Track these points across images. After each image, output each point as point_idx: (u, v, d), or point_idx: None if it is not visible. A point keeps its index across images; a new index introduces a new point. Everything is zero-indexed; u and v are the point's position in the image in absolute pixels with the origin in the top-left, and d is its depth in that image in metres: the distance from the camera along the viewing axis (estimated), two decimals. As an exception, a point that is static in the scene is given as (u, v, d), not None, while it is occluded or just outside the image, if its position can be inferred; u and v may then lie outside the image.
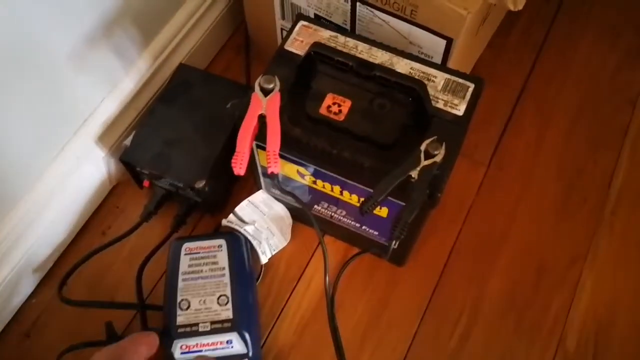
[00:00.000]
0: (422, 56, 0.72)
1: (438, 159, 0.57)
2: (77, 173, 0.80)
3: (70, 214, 0.82)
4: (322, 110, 0.63)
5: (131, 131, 0.84)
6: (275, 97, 0.60)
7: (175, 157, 0.78)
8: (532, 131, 0.94)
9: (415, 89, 0.57)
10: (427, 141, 0.58)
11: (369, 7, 0.72)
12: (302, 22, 0.69)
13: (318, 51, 0.59)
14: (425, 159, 0.57)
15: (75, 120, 0.77)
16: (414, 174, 0.57)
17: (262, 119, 0.61)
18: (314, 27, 0.68)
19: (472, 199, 0.89)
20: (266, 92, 0.61)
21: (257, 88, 0.61)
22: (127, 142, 0.80)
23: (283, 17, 0.84)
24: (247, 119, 0.59)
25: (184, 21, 0.88)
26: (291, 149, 0.63)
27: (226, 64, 0.99)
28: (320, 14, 0.77)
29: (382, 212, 0.68)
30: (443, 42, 0.69)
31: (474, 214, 0.88)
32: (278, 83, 0.61)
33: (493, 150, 0.93)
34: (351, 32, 0.72)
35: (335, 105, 0.63)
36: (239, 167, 0.58)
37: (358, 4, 0.72)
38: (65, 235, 0.83)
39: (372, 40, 0.67)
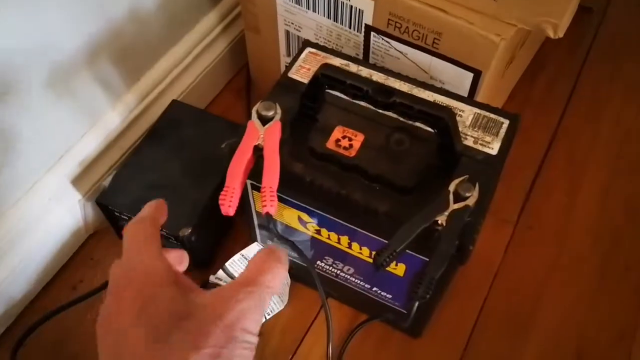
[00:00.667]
0: (445, 92, 0.64)
1: (470, 202, 0.47)
2: (47, 217, 0.69)
3: (36, 263, 0.71)
4: (330, 145, 0.53)
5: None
6: (275, 127, 0.51)
7: (159, 201, 0.67)
8: (562, 189, 0.84)
9: (442, 118, 0.48)
10: (457, 181, 0.48)
11: (384, 38, 0.64)
12: (309, 49, 0.61)
13: (327, 74, 0.50)
14: (455, 201, 0.47)
15: (48, 155, 0.68)
16: (442, 219, 0.47)
17: (258, 152, 0.51)
18: (323, 54, 0.60)
19: (498, 262, 0.78)
20: (265, 121, 0.52)
21: (254, 116, 0.51)
22: (106, 183, 0.70)
23: (288, 54, 0.77)
24: (241, 150, 0.50)
25: (181, 58, 0.81)
26: (291, 188, 0.53)
27: (225, 108, 0.91)
28: (330, 47, 0.69)
29: (399, 269, 0.57)
30: (470, 76, 0.61)
31: (500, 281, 0.76)
32: (279, 111, 0.52)
33: (520, 207, 0.82)
34: (365, 61, 0.63)
35: (345, 140, 0.54)
36: (228, 204, 0.48)
37: (372, 34, 0.65)
38: (29, 288, 0.71)
39: (389, 69, 0.58)
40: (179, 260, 0.42)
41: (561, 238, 0.80)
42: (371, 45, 0.66)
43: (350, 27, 0.66)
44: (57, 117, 0.66)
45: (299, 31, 0.71)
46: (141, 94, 0.77)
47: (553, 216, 0.82)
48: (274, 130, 0.51)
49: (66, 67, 0.64)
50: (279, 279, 0.36)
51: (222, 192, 0.48)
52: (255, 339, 0.33)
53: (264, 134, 0.51)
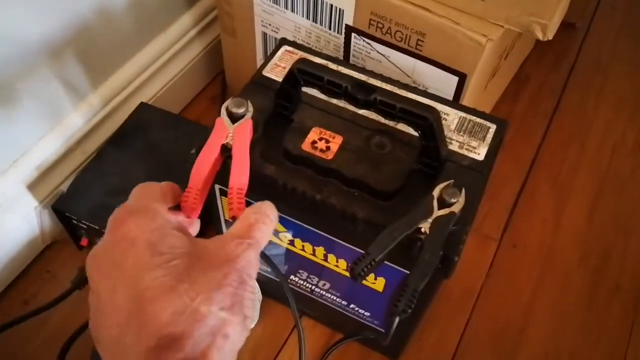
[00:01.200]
0: (429, 98, 0.60)
1: (456, 208, 0.43)
2: (-2, 225, 0.64)
3: (-16, 276, 0.65)
4: (305, 147, 0.49)
5: (75, 179, 0.69)
6: (246, 125, 0.47)
7: (121, 208, 0.63)
8: (547, 205, 0.81)
9: (427, 118, 0.44)
10: (442, 185, 0.44)
11: (366, 39, 0.61)
12: (285, 47, 0.57)
13: (303, 69, 0.46)
14: (440, 208, 0.43)
15: (1, 158, 0.63)
16: (425, 227, 0.43)
17: (226, 152, 0.47)
18: (300, 52, 0.56)
19: (481, 281, 0.74)
20: (235, 119, 0.47)
21: (223, 113, 0.47)
22: (64, 187, 0.65)
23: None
24: (207, 148, 0.45)
25: (152, 60, 0.77)
26: (262, 193, 0.49)
27: (199, 114, 0.87)
28: (309, 50, 0.66)
29: (378, 284, 0.53)
30: (454, 80, 0.58)
31: (484, 302, 0.72)
32: (251, 109, 0.48)
33: (504, 224, 0.79)
34: (345, 61, 0.60)
35: (322, 142, 0.50)
36: (191, 206, 0.43)
37: (353, 35, 0.61)
38: (-25, 303, 0.65)
39: (370, 70, 0.55)
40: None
41: (547, 256, 0.76)
42: (352, 47, 0.63)
43: (330, 28, 0.63)
44: (11, 116, 0.61)
45: (277, 33, 0.68)
46: (108, 96, 0.72)
47: (538, 234, 0.79)
48: (244, 128, 0.47)
49: (23, 61, 0.59)
50: (268, 235, 0.38)
51: (184, 194, 0.44)
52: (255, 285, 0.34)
53: (233, 132, 0.47)
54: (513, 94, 0.93)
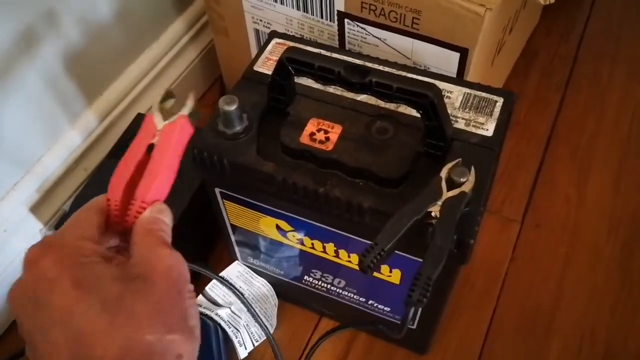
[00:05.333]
0: (431, 79, 0.57)
1: (467, 188, 0.40)
2: (3, 250, 0.63)
3: (-8, 303, 0.64)
4: (304, 140, 0.47)
5: (78, 197, 0.68)
6: (176, 124, 0.38)
7: (125, 223, 0.61)
8: (569, 181, 0.78)
9: (426, 96, 0.41)
10: (449, 165, 0.41)
11: (360, 24, 0.58)
12: (276, 40, 0.55)
13: (292, 57, 0.44)
14: (449, 189, 0.41)
15: (1, 182, 0.62)
16: (435, 210, 0.40)
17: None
18: (292, 44, 0.54)
19: (506, 266, 0.70)
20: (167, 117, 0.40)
21: (155, 107, 0.39)
22: (66, 207, 0.64)
23: (261, 56, 0.71)
24: (129, 152, 0.38)
25: (147, 69, 0.75)
26: (263, 191, 0.47)
27: (200, 122, 0.84)
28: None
29: (394, 277, 0.50)
30: (456, 56, 0.55)
31: (510, 286, 0.69)
32: (191, 104, 0.39)
33: (525, 205, 0.76)
34: (340, 48, 0.58)
35: (320, 133, 0.47)
36: (113, 222, 0.36)
37: (346, 21, 0.59)
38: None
39: (366, 55, 0.53)
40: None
41: (573, 233, 0.73)
42: (346, 34, 0.60)
43: (322, 17, 0.60)
44: (8, 138, 0.60)
45: (269, 28, 0.66)
46: (104, 110, 0.71)
47: (561, 210, 0.75)
48: (173, 128, 0.37)
49: (10, 79, 0.58)
50: (169, 230, 0.36)
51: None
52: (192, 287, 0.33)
53: (159, 131, 0.38)
54: (523, 69, 0.89)
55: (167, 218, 0.36)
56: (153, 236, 0.34)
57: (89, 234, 0.34)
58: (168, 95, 0.39)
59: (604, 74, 0.89)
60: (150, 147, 0.38)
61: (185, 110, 0.38)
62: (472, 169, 0.41)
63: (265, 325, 0.59)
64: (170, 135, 0.38)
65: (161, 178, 0.37)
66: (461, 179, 0.40)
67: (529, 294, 0.68)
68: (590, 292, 0.68)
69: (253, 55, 0.72)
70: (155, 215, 0.36)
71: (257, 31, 0.68)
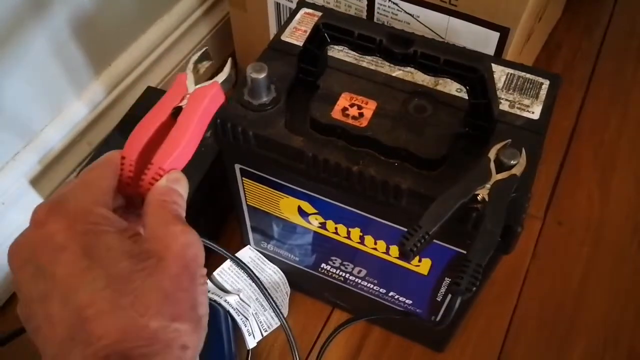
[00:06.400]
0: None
1: (517, 171, 0.37)
2: (0, 223, 0.59)
3: (-13, 280, 0.60)
4: (335, 114, 0.43)
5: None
6: (208, 89, 0.35)
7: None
8: (592, 179, 0.75)
9: (477, 70, 0.38)
10: (499, 146, 0.38)
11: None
12: (304, 9, 0.51)
13: (330, 23, 0.41)
14: (498, 171, 0.37)
15: (1, 152, 0.58)
16: (482, 194, 0.37)
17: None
18: (321, 14, 0.50)
19: (527, 263, 0.68)
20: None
21: (190, 67, 0.35)
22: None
23: (280, 32, 0.68)
24: (154, 110, 0.35)
25: (157, 42, 0.71)
26: (288, 169, 0.43)
27: (210, 101, 0.81)
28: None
29: (423, 266, 0.47)
30: (495, 37, 0.52)
31: (531, 284, 0.66)
32: (228, 70, 0.36)
33: (547, 201, 0.73)
34: (371, 20, 0.54)
35: (353, 108, 0.44)
36: (124, 182, 0.33)
37: (378, -5, 0.56)
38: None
39: (400, 29, 0.49)
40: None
41: (596, 232, 0.70)
42: (375, 10, 0.57)
43: (350, -10, 0.57)
44: (9, 106, 0.56)
45: (291, 2, 0.62)
46: (112, 82, 0.67)
47: (584, 208, 0.72)
48: (203, 93, 0.34)
49: (14, 43, 0.54)
50: (184, 207, 0.32)
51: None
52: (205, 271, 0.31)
53: (191, 93, 0.35)
54: (545, 63, 0.86)
55: (183, 189, 0.33)
56: (166, 209, 0.31)
57: (102, 199, 0.30)
58: (204, 56, 0.36)
59: (628, 71, 0.87)
60: (177, 110, 0.34)
61: (221, 77, 0.35)
62: (523, 151, 0.38)
63: (281, 311, 0.55)
64: (200, 101, 0.34)
65: (184, 146, 0.33)
66: (512, 161, 0.37)
67: (551, 293, 0.65)
68: (614, 294, 0.65)
69: (272, 31, 0.69)
70: (171, 186, 0.32)
71: (277, 5, 0.64)
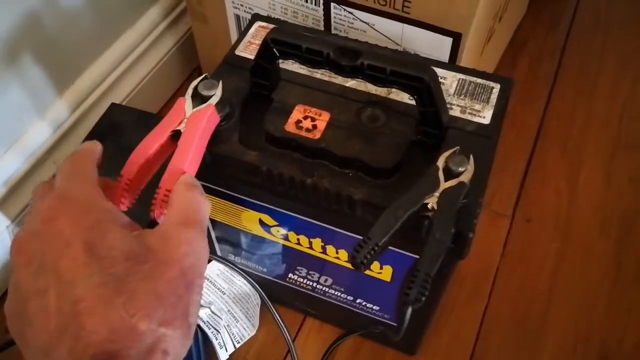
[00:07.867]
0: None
1: (465, 178, 0.38)
2: (-33, 249, 0.59)
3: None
4: (289, 127, 0.44)
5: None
6: (204, 112, 0.39)
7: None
8: (559, 174, 0.76)
9: (422, 79, 0.39)
10: (447, 154, 0.39)
11: (346, 8, 0.55)
12: (258, 23, 0.52)
13: (278, 38, 0.41)
14: (447, 179, 0.38)
15: (-38, 176, 0.58)
16: (432, 202, 0.37)
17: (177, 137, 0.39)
18: (271, 28, 0.51)
19: (496, 262, 0.68)
20: (202, 102, 0.41)
21: (189, 92, 0.41)
22: (34, 202, 0.60)
23: (242, 43, 0.68)
24: (153, 133, 0.38)
25: (121, 58, 0.71)
26: (245, 183, 0.44)
27: (179, 113, 0.81)
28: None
29: (384, 274, 0.48)
30: (448, 42, 0.52)
31: (502, 283, 0.67)
32: (219, 93, 0.41)
33: (515, 199, 0.73)
34: (326, 31, 0.55)
35: (307, 120, 0.44)
36: (118, 198, 0.36)
37: (332, 5, 0.56)
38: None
39: (355, 39, 0.50)
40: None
41: (565, 228, 0.71)
42: (332, 19, 0.57)
43: (306, 0, 0.57)
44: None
45: (250, 13, 0.62)
46: (76, 100, 0.67)
47: (553, 205, 0.73)
48: (200, 115, 0.39)
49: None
50: (207, 214, 0.34)
51: (116, 182, 0.37)
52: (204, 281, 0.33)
53: (187, 118, 0.39)
54: (511, 60, 0.87)
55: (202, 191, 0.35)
56: (191, 210, 0.33)
57: (98, 191, 0.31)
58: (203, 80, 0.40)
59: (593, 66, 0.88)
60: (175, 133, 0.38)
61: (215, 99, 0.39)
62: (471, 157, 0.38)
63: (252, 322, 0.55)
64: (198, 124, 0.38)
65: (187, 167, 0.36)
66: (460, 169, 0.38)
67: (521, 291, 0.66)
68: (584, 289, 0.66)
69: (233, 42, 0.69)
70: (195, 184, 0.35)
71: (237, 17, 0.64)
